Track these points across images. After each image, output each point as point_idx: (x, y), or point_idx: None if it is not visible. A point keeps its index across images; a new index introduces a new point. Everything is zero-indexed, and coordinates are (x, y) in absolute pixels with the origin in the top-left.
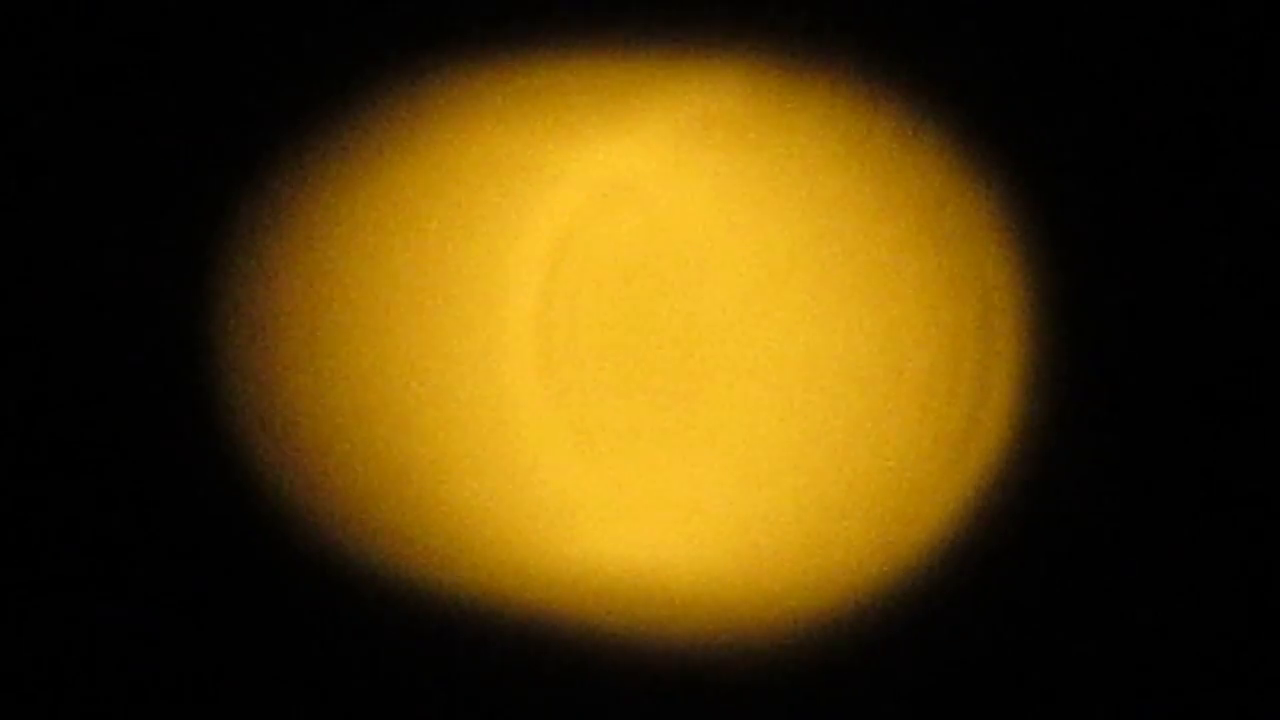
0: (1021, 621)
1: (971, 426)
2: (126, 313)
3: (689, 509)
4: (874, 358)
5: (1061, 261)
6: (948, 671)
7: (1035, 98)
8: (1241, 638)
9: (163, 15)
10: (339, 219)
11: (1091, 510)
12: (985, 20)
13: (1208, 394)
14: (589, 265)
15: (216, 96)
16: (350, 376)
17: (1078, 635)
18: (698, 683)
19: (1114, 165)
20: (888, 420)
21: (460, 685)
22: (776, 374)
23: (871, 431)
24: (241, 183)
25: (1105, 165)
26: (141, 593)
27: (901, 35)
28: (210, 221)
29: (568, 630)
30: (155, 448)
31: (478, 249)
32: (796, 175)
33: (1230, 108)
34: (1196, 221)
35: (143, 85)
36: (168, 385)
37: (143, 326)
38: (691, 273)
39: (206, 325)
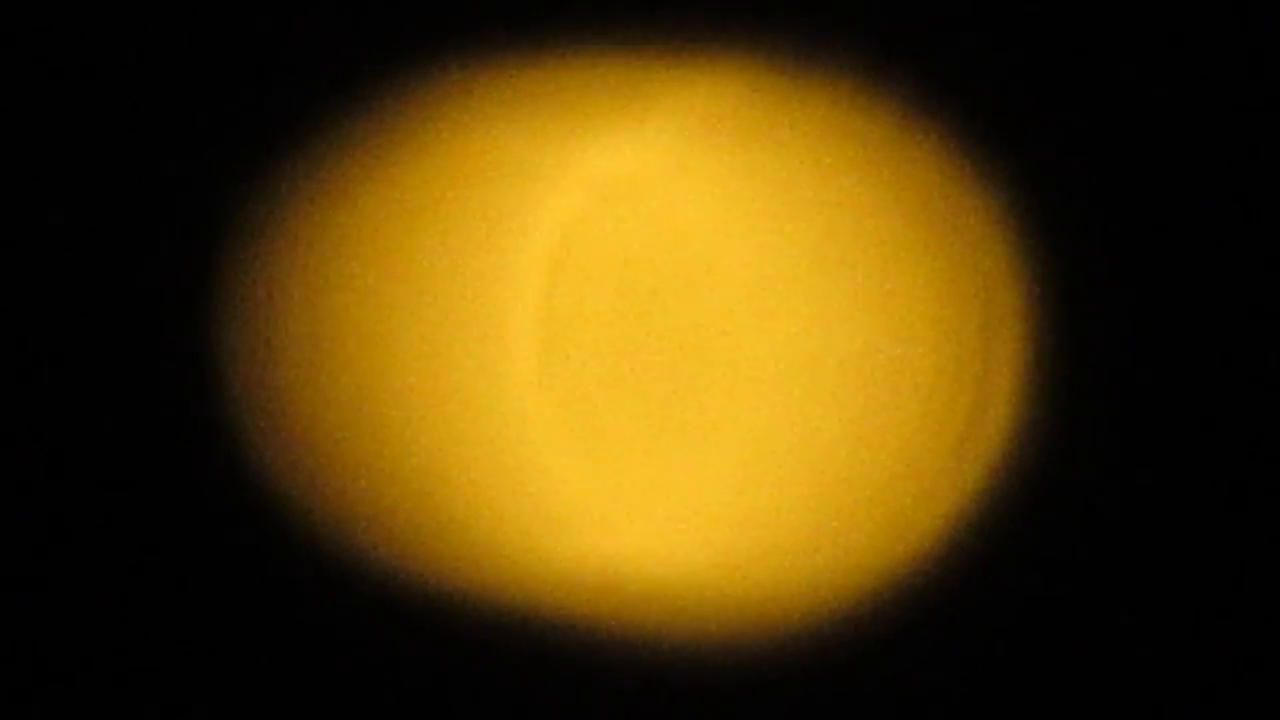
0: (1024, 622)
1: (974, 426)
2: (128, 315)
3: (692, 508)
4: (876, 357)
5: (1064, 262)
6: (950, 672)
7: (1037, 97)
8: (1245, 639)
9: (163, 14)
10: (340, 219)
11: (1095, 511)
12: (986, 20)
13: (1212, 394)
14: (591, 265)
15: (216, 97)
16: (351, 376)
17: (1080, 636)
18: (700, 682)
19: (1117, 165)
20: (890, 420)
21: (460, 685)
22: (779, 374)
23: (874, 431)
24: (241, 184)
25: (1108, 165)
26: (142, 593)
27: (903, 35)
28: (211, 223)
29: (570, 630)
30: (157, 450)
31: (479, 249)
32: (799, 175)
33: (1233, 107)
34: (1200, 221)
35: (142, 86)
36: (169, 387)
37: (144, 328)
38: (694, 272)
39: (208, 326)
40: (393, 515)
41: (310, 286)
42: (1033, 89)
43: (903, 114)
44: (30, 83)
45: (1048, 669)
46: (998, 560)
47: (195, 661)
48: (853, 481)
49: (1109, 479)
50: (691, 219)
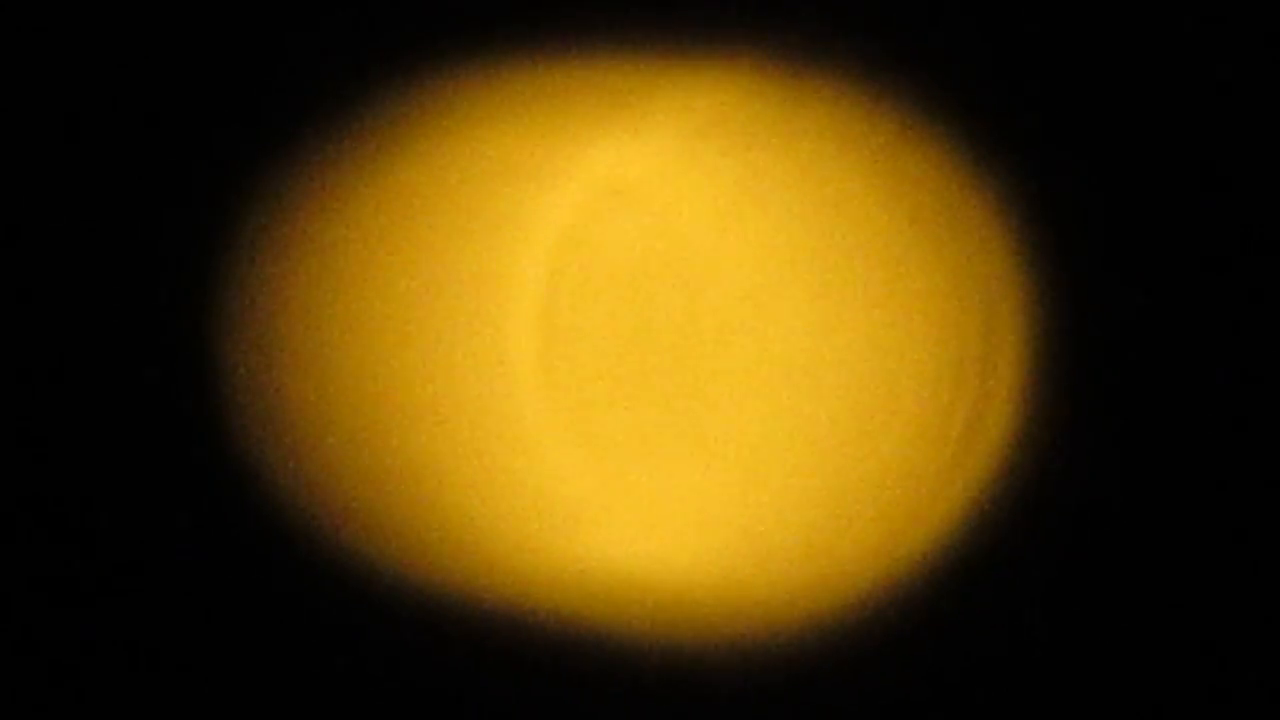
0: (1026, 623)
1: (975, 427)
2: (127, 315)
3: (692, 511)
4: (877, 359)
5: (1065, 262)
6: (952, 673)
7: (1039, 97)
8: (1245, 639)
9: (163, 15)
10: (340, 221)
11: (1097, 510)
12: (987, 20)
13: (1214, 392)
14: (592, 267)
15: (216, 98)
16: (352, 378)
17: (1082, 636)
18: (702, 685)
19: (1118, 164)
20: (891, 422)
21: (462, 687)
22: (779, 376)
23: (875, 433)
24: (242, 185)
25: (1109, 165)
26: (142, 594)
27: (904, 36)
28: (211, 224)
29: (571, 633)
30: (157, 450)
31: (479, 250)
32: (800, 177)
33: (1234, 106)
34: (1201, 220)
35: (142, 86)
36: (168, 388)
37: (143, 329)
38: (695, 274)
39: (208, 328)
40: (392, 516)
41: (310, 288)
42: (1034, 91)
43: (904, 116)
44: (31, 83)
45: (1049, 670)
46: (999, 563)
47: (196, 661)
48: (853, 483)
49: (1110, 481)
50: (692, 221)
